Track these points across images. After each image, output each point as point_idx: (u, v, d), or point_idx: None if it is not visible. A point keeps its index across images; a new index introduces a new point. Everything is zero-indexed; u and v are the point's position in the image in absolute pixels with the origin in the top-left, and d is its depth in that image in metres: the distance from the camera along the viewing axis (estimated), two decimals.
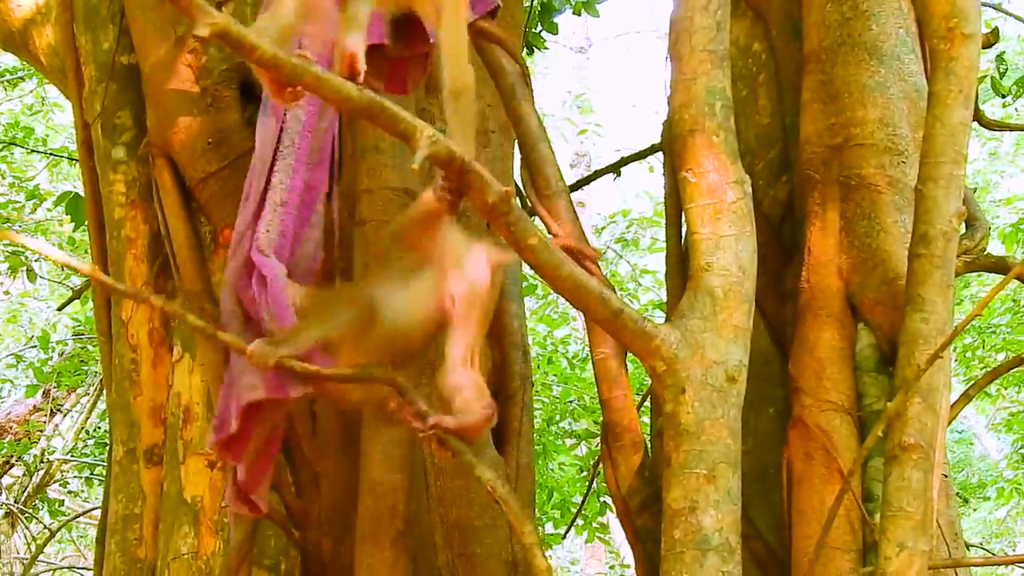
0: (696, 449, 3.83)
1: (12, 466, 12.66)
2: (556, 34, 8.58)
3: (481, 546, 5.19)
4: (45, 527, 12.99)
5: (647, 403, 5.93)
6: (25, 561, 12.45)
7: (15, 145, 12.03)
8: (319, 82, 3.21)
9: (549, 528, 11.98)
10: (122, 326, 5.25)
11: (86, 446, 12.65)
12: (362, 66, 3.40)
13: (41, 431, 12.65)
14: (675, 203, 4.73)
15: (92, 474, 12.84)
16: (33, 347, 12.80)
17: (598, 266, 4.56)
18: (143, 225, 5.28)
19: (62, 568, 14.00)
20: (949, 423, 4.29)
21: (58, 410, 12.91)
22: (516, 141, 5.25)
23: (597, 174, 8.08)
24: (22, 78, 12.82)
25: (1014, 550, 17.45)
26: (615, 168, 7.81)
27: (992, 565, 14.99)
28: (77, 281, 11.93)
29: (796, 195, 4.97)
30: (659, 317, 7.19)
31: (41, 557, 12.49)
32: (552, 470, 12.03)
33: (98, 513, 8.78)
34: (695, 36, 4.31)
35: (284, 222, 4.23)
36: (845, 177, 4.73)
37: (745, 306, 4.03)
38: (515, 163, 5.79)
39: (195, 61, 5.11)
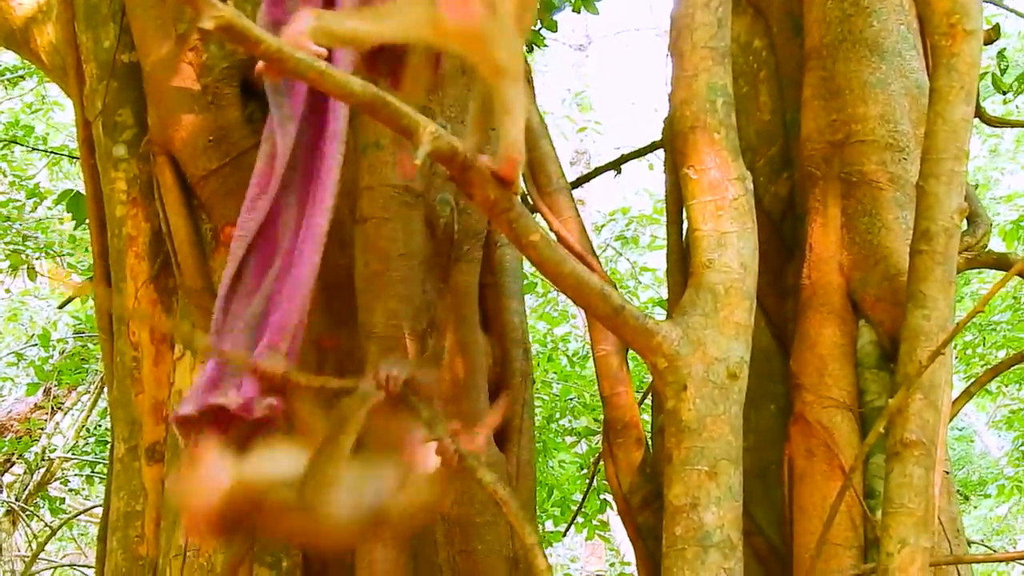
0: (698, 446, 3.83)
1: (13, 464, 12.67)
2: (556, 32, 8.55)
3: (482, 543, 5.19)
4: (46, 525, 13.00)
5: (648, 400, 5.93)
6: (26, 559, 12.45)
7: (16, 143, 12.03)
8: (323, 77, 3.21)
9: (549, 526, 11.98)
10: (123, 324, 5.24)
11: (87, 444, 12.65)
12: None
13: (42, 429, 12.65)
14: (676, 200, 4.74)
15: (93, 472, 12.84)
16: (34, 345, 12.80)
17: (599, 263, 4.57)
18: (144, 223, 5.28)
19: (63, 566, 13.99)
20: (950, 420, 4.29)
21: (59, 408, 12.90)
22: None
23: (597, 171, 8.07)
24: (22, 76, 12.81)
25: (1015, 547, 17.43)
26: (615, 165, 7.80)
27: (993, 562, 15.02)
28: (78, 279, 11.95)
29: (797, 192, 4.98)
30: (659, 315, 7.19)
31: (42, 555, 12.49)
32: (552, 468, 12.03)
33: (99, 511, 8.79)
34: (696, 33, 4.30)
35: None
36: (846, 173, 4.74)
37: (746, 303, 4.03)
38: None
39: (196, 59, 5.11)
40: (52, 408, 12.79)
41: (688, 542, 3.76)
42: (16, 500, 12.31)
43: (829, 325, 4.58)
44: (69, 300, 9.86)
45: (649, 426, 5.05)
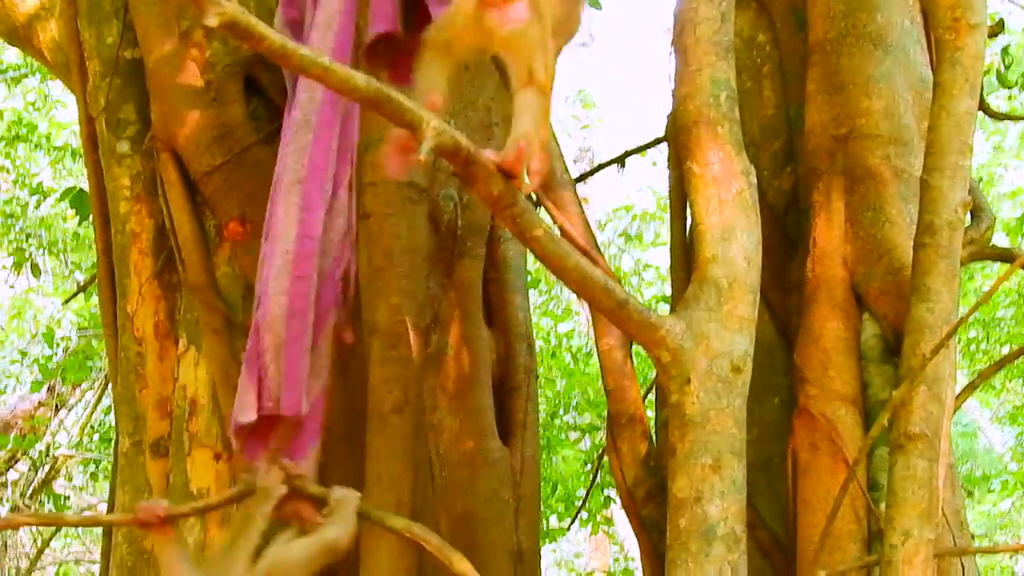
0: (701, 439, 3.82)
1: (17, 461, 12.66)
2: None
3: (486, 537, 5.20)
4: None
5: (652, 396, 5.93)
6: (31, 555, 12.47)
7: (19, 141, 12.04)
8: (327, 73, 3.21)
9: (553, 521, 11.99)
10: (127, 320, 5.25)
11: (91, 441, 12.65)
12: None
13: (46, 426, 12.65)
14: (680, 195, 4.74)
15: (97, 469, 12.85)
16: (38, 343, 12.81)
17: (603, 258, 4.57)
18: (148, 219, 5.28)
19: (68, 562, 14.00)
20: (953, 413, 4.29)
21: (63, 405, 12.90)
22: None
23: (601, 166, 8.10)
24: (25, 75, 12.82)
25: (1018, 542, 17.43)
26: (619, 160, 7.82)
27: (997, 553, 15.00)
28: (81, 277, 11.96)
29: (801, 186, 4.98)
30: (664, 311, 7.19)
31: (47, 551, 12.51)
32: (556, 464, 12.04)
33: (103, 508, 8.80)
34: (700, 27, 4.30)
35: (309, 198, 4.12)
36: (850, 168, 4.74)
37: (750, 297, 4.02)
38: None
39: (199, 55, 5.12)
40: (56, 405, 12.79)
41: (692, 535, 3.75)
42: (21, 497, 12.31)
43: (833, 319, 4.58)
44: (74, 295, 9.85)
45: (653, 422, 5.05)
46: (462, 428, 5.29)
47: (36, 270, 11.75)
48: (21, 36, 6.16)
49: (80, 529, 13.35)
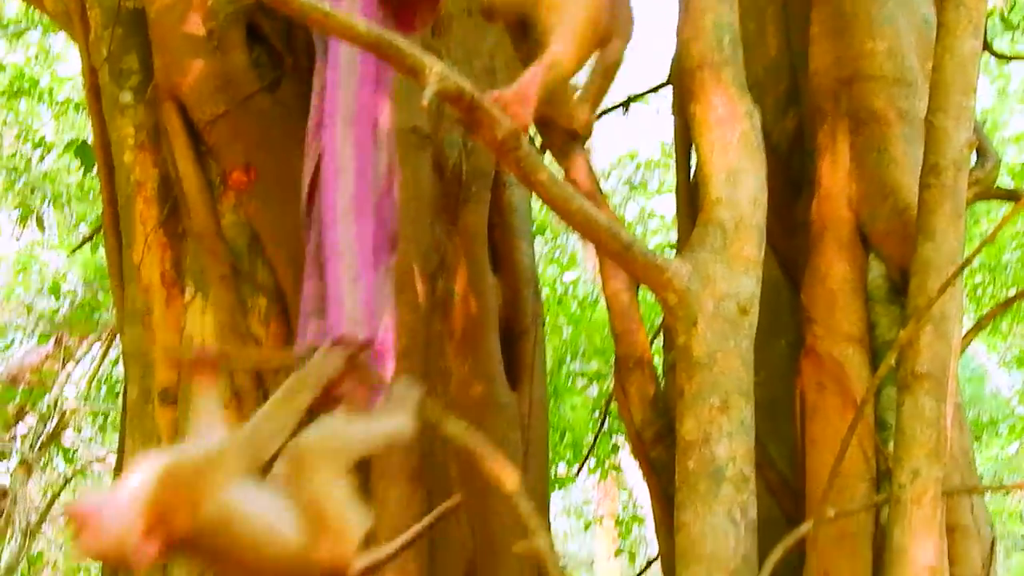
0: (709, 380, 3.82)
1: (26, 414, 12.69)
2: None
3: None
4: (60, 475, 13.05)
5: (659, 344, 5.94)
6: (40, 509, 12.52)
7: (22, 95, 12.02)
8: (327, 18, 3.21)
9: (562, 469, 12.03)
10: (134, 269, 5.25)
11: (99, 394, 12.68)
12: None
13: (54, 379, 12.67)
14: (684, 139, 4.74)
15: (106, 421, 12.88)
16: (44, 296, 12.82)
17: (607, 203, 4.56)
18: (152, 168, 5.28)
19: None
20: (960, 354, 4.29)
21: (70, 358, 12.91)
22: None
23: (605, 112, 8.07)
24: (26, 29, 12.79)
25: None
26: (624, 105, 7.80)
27: (1006, 491, 15.04)
28: (86, 229, 11.95)
29: (805, 128, 4.97)
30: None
31: (56, 504, 12.55)
32: (564, 412, 12.06)
33: (112, 460, 8.83)
34: None
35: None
36: (854, 109, 4.73)
37: (756, 238, 4.01)
38: None
39: (201, 4, 5.12)
40: (63, 358, 12.80)
41: (701, 476, 3.75)
42: (30, 450, 12.35)
43: (839, 260, 4.58)
44: (80, 246, 9.86)
45: (660, 368, 5.05)
46: (470, 373, 5.29)
47: (40, 223, 11.74)
48: None
49: (89, 482, 13.38)
